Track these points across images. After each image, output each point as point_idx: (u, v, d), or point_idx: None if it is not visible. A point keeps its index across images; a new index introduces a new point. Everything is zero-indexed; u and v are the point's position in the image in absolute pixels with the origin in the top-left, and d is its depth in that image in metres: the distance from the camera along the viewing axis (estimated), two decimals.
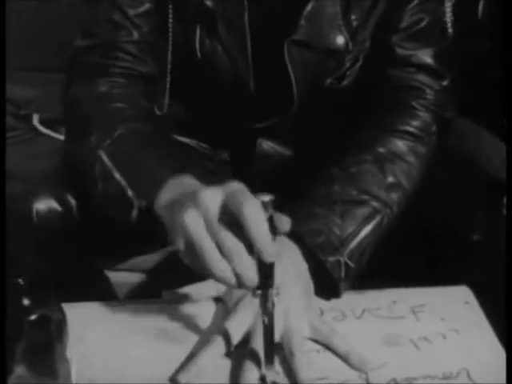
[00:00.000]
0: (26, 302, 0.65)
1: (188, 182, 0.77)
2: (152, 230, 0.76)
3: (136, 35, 0.94)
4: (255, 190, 1.05)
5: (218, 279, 0.68)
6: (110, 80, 0.93)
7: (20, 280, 0.64)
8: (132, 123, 0.88)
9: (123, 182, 0.81)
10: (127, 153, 0.84)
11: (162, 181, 0.77)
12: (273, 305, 0.70)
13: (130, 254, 1.07)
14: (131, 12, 0.94)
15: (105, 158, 0.84)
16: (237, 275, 0.67)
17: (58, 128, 1.47)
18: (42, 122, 1.50)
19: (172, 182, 0.77)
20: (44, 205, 0.91)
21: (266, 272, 0.68)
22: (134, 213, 0.79)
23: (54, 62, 1.61)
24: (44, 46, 1.79)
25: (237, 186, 0.69)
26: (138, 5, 0.94)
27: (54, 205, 0.91)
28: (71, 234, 0.92)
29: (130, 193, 0.80)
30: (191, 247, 0.68)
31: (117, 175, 0.82)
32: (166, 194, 0.76)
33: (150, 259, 1.20)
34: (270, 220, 0.67)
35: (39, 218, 0.90)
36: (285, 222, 0.68)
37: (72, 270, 0.93)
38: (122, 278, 1.19)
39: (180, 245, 0.70)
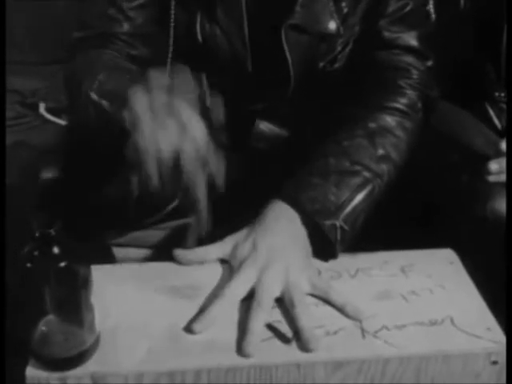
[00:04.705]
0: (55, 250, 0.70)
1: None
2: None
3: (127, 27, 1.02)
4: (253, 169, 1.12)
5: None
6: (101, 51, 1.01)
7: (51, 230, 0.69)
8: (116, 67, 0.96)
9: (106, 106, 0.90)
10: (111, 86, 0.92)
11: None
12: None
13: (131, 225, 1.13)
14: (125, 5, 1.01)
15: (95, 97, 0.92)
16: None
17: (63, 116, 1.54)
18: (47, 111, 1.56)
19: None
20: (50, 173, 0.98)
21: None
22: (116, 130, 0.85)
23: (54, 56, 1.68)
24: (45, 42, 1.86)
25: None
26: None
27: (58, 173, 0.98)
28: (76, 201, 0.97)
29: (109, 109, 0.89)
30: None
31: (104, 103, 0.90)
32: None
33: (154, 235, 1.26)
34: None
35: (44, 185, 0.97)
36: None
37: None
38: (128, 253, 1.24)
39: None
